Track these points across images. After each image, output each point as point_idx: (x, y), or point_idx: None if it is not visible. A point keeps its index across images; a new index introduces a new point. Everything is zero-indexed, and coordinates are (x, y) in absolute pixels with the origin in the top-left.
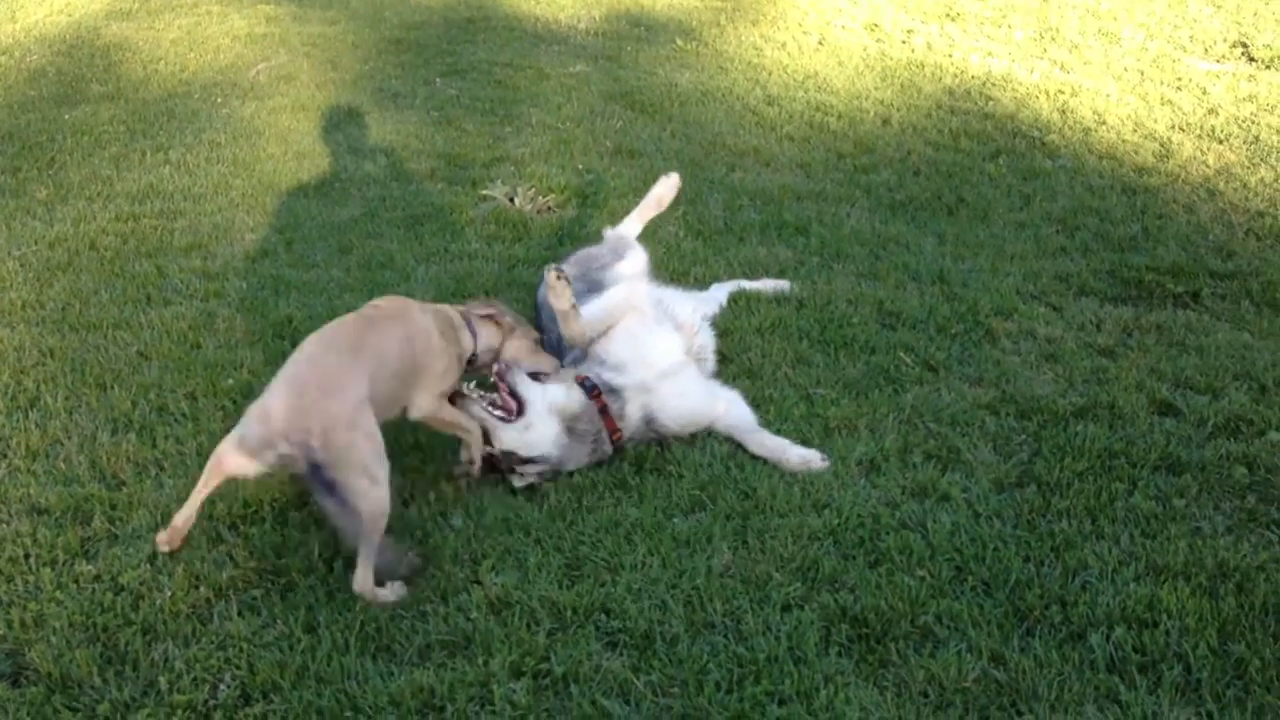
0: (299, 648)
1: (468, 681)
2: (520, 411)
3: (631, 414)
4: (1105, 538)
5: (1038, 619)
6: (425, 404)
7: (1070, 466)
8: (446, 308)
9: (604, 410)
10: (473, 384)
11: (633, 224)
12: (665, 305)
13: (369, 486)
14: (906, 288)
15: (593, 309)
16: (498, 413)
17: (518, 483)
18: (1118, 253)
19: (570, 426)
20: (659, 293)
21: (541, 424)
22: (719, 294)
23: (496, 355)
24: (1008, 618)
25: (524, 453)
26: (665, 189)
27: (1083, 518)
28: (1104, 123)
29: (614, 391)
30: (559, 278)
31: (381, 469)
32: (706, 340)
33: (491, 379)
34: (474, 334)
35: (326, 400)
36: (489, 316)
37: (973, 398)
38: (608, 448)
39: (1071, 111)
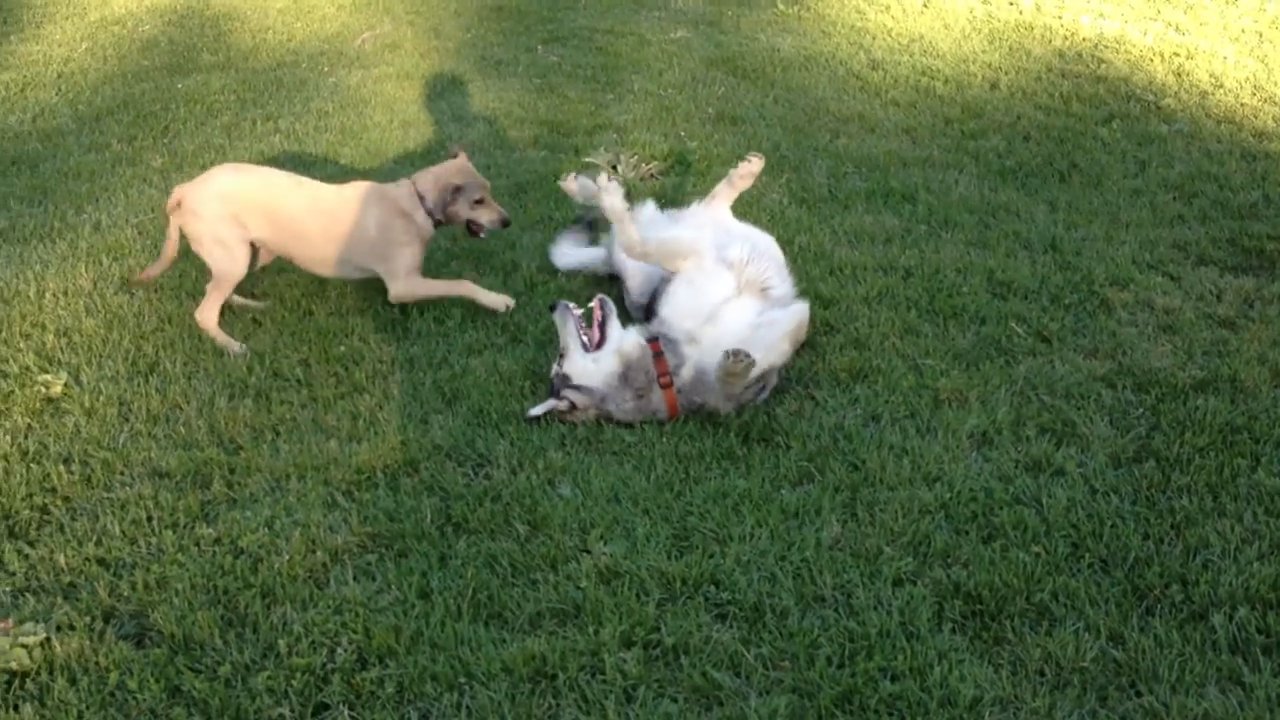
0: (413, 613)
1: (579, 650)
2: (599, 346)
3: (688, 363)
4: (1227, 515)
5: (1158, 598)
6: (397, 288)
7: (1190, 441)
8: (398, 192)
9: (659, 355)
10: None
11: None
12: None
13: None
14: (1017, 256)
15: (660, 235)
16: (583, 338)
17: (536, 410)
18: (1238, 220)
19: (624, 371)
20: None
21: (605, 359)
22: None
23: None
24: (1126, 596)
25: (577, 380)
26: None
27: (1204, 494)
28: (1221, 86)
29: (670, 342)
30: (610, 178)
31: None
32: (760, 268)
33: (592, 310)
34: (427, 208)
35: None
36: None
37: (1088, 370)
38: (658, 403)
39: (1187, 74)
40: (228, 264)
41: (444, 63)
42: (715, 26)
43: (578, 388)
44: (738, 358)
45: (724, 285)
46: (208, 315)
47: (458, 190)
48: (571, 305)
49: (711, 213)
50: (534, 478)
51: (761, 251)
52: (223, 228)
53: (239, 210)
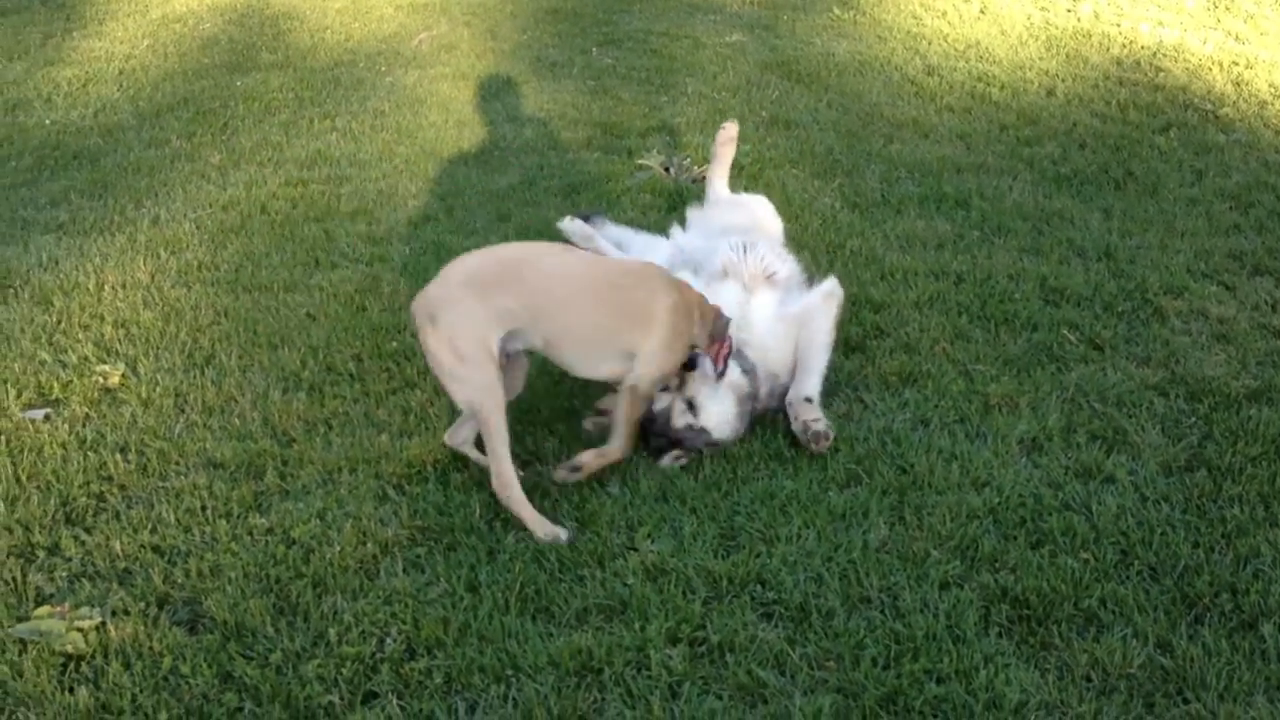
0: (461, 606)
1: (625, 646)
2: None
3: (762, 379)
4: (1279, 525)
5: (1207, 606)
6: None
7: (1243, 451)
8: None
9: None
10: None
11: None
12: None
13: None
14: (1071, 263)
15: None
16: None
17: (665, 461)
18: None
19: (739, 409)
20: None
21: (727, 401)
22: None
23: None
24: (1175, 604)
25: (716, 435)
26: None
27: (1255, 504)
28: None
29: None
30: None
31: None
32: (756, 257)
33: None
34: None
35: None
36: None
37: (1140, 378)
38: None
39: (1246, 84)
40: None
41: (500, 64)
42: (770, 30)
43: (715, 442)
44: (820, 439)
45: (730, 293)
46: None
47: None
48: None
49: (709, 203)
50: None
51: (750, 239)
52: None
53: None
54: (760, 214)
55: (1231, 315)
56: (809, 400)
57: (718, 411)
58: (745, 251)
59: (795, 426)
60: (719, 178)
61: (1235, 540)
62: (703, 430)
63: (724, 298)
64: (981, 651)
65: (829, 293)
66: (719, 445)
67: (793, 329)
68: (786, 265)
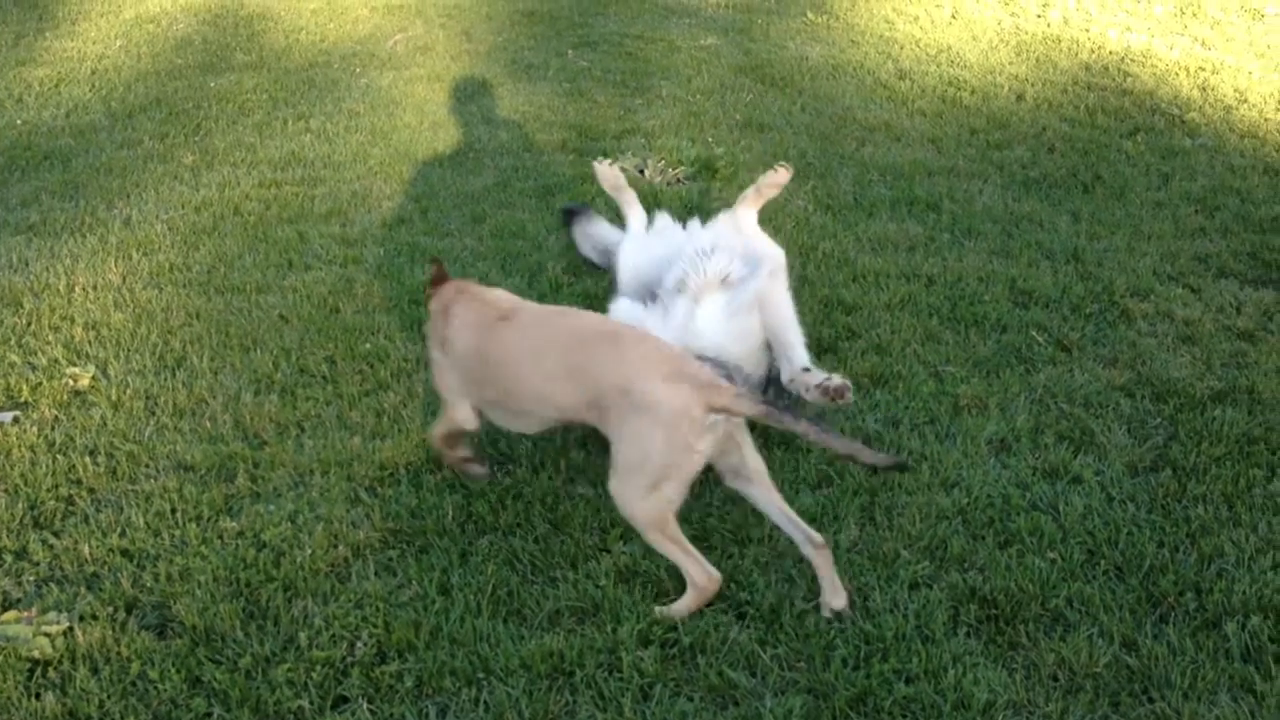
0: (433, 609)
1: (597, 648)
2: None
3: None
4: (1243, 525)
5: (1171, 605)
6: None
7: (1207, 451)
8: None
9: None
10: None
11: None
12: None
13: None
14: (1039, 266)
15: None
16: None
17: None
18: (1259, 234)
19: None
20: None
21: None
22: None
23: None
24: (1140, 603)
25: None
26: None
27: (1219, 504)
28: (1246, 101)
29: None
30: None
31: None
32: (716, 263)
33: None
34: None
35: None
36: None
37: (1107, 379)
38: None
39: (1212, 89)
40: None
41: (475, 66)
42: (745, 34)
43: None
44: (843, 390)
45: (680, 308)
46: None
47: None
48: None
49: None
50: (555, 477)
51: (712, 250)
52: None
53: None
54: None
55: (1197, 317)
56: (807, 369)
57: None
58: (705, 258)
59: (811, 396)
60: (750, 209)
61: (1200, 539)
62: None
63: (675, 313)
64: (950, 651)
65: (773, 270)
66: None
67: (748, 319)
68: (744, 266)
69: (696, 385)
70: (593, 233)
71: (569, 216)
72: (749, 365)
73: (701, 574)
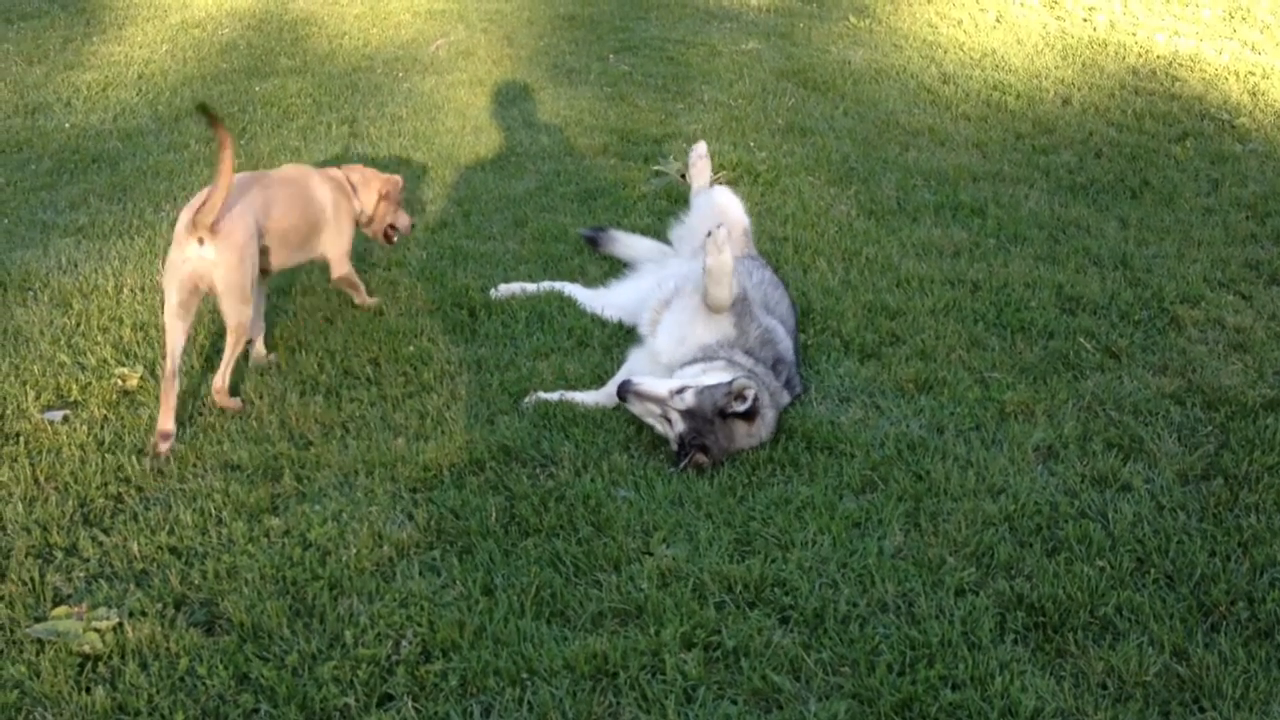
0: (477, 609)
1: (640, 650)
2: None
3: None
4: None
5: (1223, 615)
6: (337, 266)
7: (1259, 460)
8: (338, 174)
9: None
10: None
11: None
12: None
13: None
14: (1087, 272)
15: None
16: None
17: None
18: None
19: None
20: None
21: None
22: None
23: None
24: (1191, 612)
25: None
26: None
27: (1272, 513)
28: None
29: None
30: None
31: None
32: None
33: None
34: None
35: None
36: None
37: (1157, 386)
38: None
39: (1263, 94)
40: None
41: (516, 70)
42: (786, 38)
43: None
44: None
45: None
46: None
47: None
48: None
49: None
50: (598, 480)
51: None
52: None
53: None
54: (724, 206)
55: (1248, 324)
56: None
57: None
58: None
59: None
60: (696, 185)
61: (1252, 549)
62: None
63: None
64: (997, 658)
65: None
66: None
67: (691, 301)
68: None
69: None
70: (616, 249)
71: (592, 243)
72: (686, 355)
73: None
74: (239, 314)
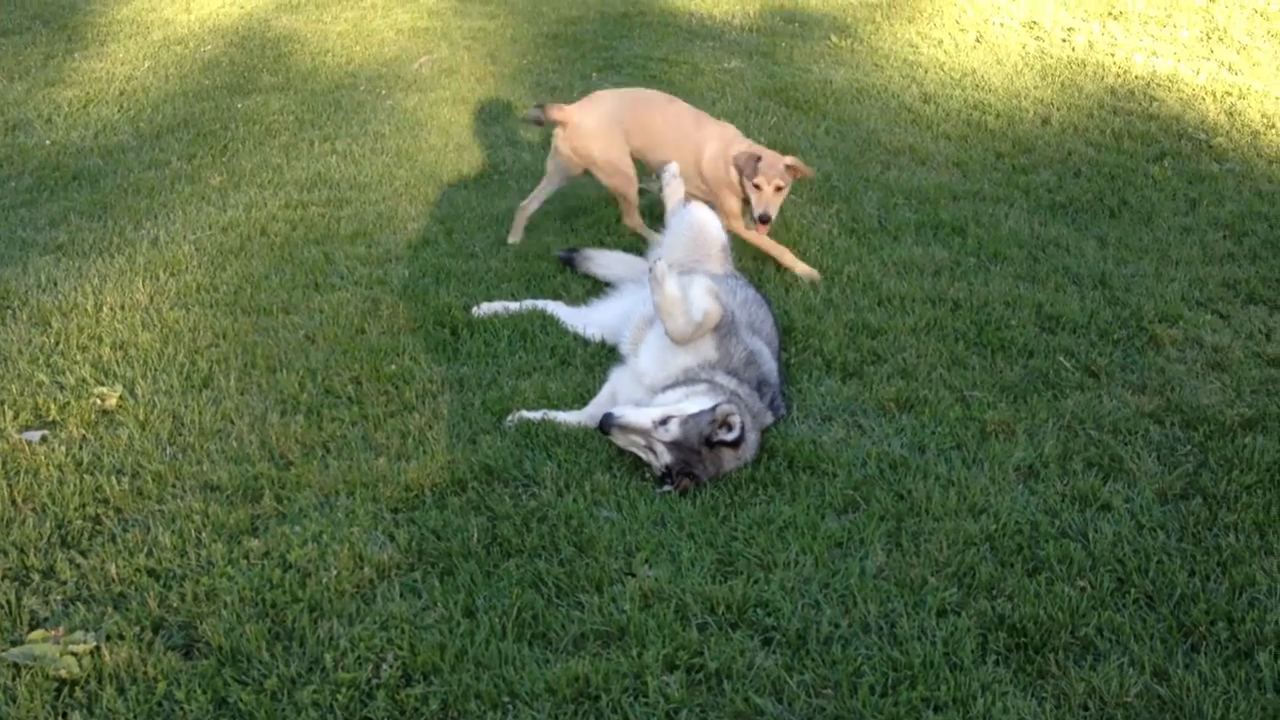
0: (458, 631)
1: (622, 673)
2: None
3: None
4: (1275, 554)
5: (1203, 635)
6: None
7: (1238, 479)
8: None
9: None
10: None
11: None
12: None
13: None
14: (1066, 291)
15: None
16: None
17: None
18: None
19: None
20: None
21: None
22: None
23: None
24: (1171, 633)
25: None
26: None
27: (1251, 532)
28: (1274, 126)
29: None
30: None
31: None
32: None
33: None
34: None
35: None
36: None
37: (1136, 405)
38: None
39: (1240, 114)
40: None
41: (500, 88)
42: (768, 57)
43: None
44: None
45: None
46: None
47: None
48: None
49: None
50: (581, 500)
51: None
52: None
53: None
54: (701, 224)
55: (1226, 344)
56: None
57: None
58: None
59: None
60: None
61: (1231, 568)
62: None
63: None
64: (979, 679)
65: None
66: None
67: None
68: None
69: None
70: (592, 268)
71: (568, 264)
72: (665, 379)
73: None
74: None
